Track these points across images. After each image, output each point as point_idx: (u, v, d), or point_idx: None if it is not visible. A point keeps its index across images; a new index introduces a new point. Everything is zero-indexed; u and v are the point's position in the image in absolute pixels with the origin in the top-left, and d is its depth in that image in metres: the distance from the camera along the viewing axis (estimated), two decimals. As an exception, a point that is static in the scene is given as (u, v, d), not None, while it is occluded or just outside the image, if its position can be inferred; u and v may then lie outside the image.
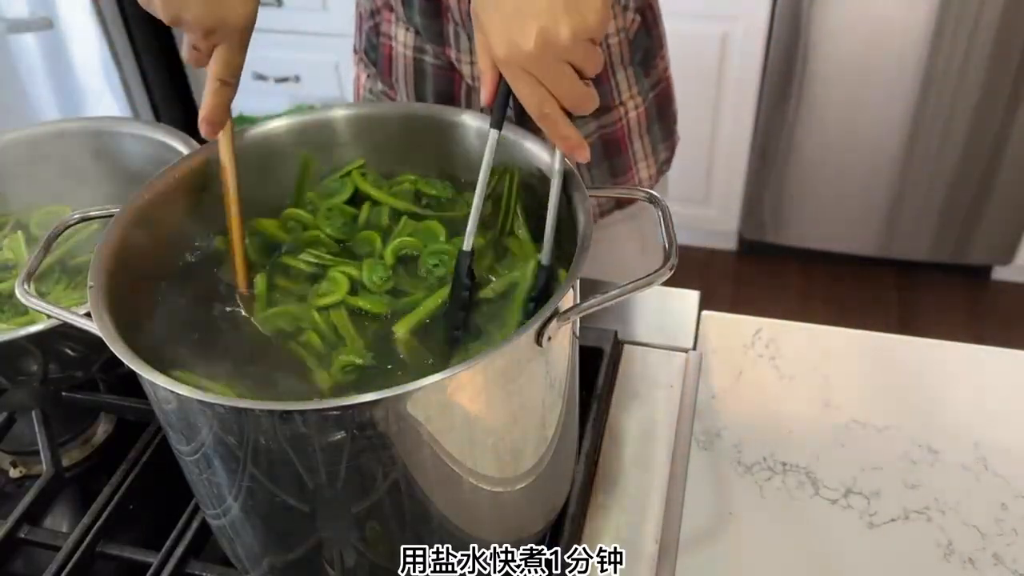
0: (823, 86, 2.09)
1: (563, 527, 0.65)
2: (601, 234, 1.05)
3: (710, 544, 0.67)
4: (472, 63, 0.90)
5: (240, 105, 2.48)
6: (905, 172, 2.18)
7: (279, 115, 0.68)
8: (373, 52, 1.00)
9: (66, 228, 0.61)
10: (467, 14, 0.85)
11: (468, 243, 0.57)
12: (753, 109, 2.18)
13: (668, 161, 1.08)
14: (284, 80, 2.36)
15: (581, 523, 0.68)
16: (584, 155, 0.56)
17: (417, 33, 0.92)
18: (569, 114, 0.55)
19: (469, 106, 0.95)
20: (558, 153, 0.57)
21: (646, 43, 0.96)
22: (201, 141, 0.74)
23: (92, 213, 0.62)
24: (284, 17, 2.21)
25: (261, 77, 2.37)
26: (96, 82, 2.29)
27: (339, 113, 0.69)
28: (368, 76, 1.03)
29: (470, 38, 0.88)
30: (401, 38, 0.94)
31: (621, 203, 1.03)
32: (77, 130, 0.85)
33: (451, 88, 0.94)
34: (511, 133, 0.63)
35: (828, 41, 2.03)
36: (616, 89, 0.94)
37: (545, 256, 0.59)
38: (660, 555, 0.66)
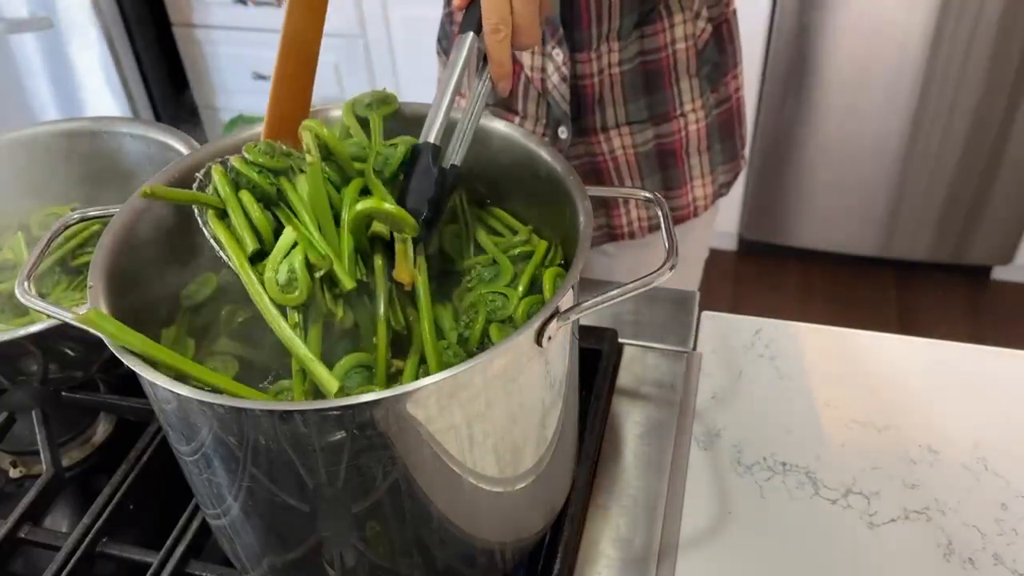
0: (823, 86, 2.09)
1: (563, 527, 0.65)
2: (644, 251, 1.05)
3: (710, 544, 0.67)
4: (534, 53, 0.90)
5: (240, 105, 2.48)
6: (905, 172, 2.18)
7: (279, 115, 0.68)
8: (445, 40, 1.01)
9: (66, 228, 0.61)
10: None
11: (432, 135, 0.58)
12: (753, 109, 2.18)
13: (728, 185, 1.06)
14: (284, 80, 2.36)
15: (581, 523, 0.68)
16: (506, 88, 0.61)
17: None
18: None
19: (526, 99, 0.95)
20: (487, 74, 0.61)
21: (716, 57, 0.95)
22: (201, 141, 0.75)
23: (92, 213, 0.62)
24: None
25: (261, 77, 2.37)
26: (96, 82, 2.29)
27: (336, 113, 0.69)
28: (442, 66, 1.04)
29: None
30: None
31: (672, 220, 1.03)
32: (77, 130, 0.85)
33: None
34: (511, 132, 0.63)
35: (828, 41, 2.03)
36: (678, 98, 0.93)
37: (431, 135, 0.58)
38: (660, 555, 0.66)
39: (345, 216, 0.56)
